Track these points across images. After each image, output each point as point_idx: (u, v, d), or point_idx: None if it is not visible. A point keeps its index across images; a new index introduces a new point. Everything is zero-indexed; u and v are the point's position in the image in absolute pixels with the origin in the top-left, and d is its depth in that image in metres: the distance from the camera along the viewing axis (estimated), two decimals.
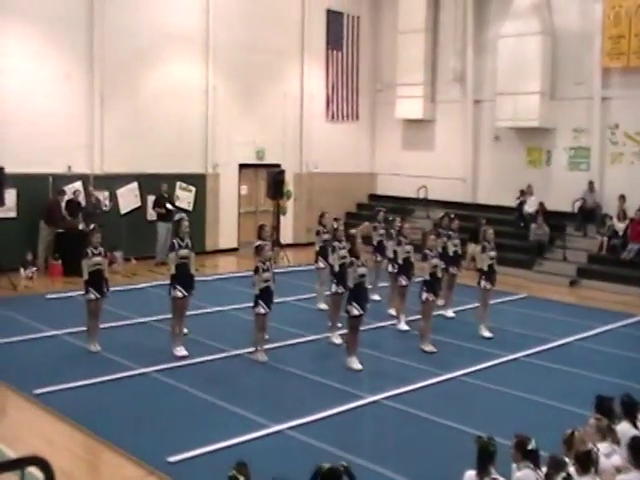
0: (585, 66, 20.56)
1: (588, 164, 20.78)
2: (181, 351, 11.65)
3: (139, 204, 19.83)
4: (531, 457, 5.68)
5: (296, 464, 8.10)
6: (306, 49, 23.67)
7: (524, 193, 21.38)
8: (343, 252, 12.60)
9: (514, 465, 5.78)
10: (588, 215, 20.22)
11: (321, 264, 14.55)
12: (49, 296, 15.34)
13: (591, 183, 20.32)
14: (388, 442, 8.81)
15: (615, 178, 20.17)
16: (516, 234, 20.99)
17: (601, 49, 20.07)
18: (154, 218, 19.68)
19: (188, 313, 12.23)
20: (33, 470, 4.05)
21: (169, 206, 19.54)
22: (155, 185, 19.60)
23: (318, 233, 14.90)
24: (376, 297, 15.36)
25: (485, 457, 5.59)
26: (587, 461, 5.73)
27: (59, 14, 18.17)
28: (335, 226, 13.88)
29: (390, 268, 14.47)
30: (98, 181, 19.03)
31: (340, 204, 23.49)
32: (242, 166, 22.36)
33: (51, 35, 18.20)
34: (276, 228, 20.93)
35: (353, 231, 13.44)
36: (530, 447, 5.69)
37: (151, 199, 19.84)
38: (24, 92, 17.75)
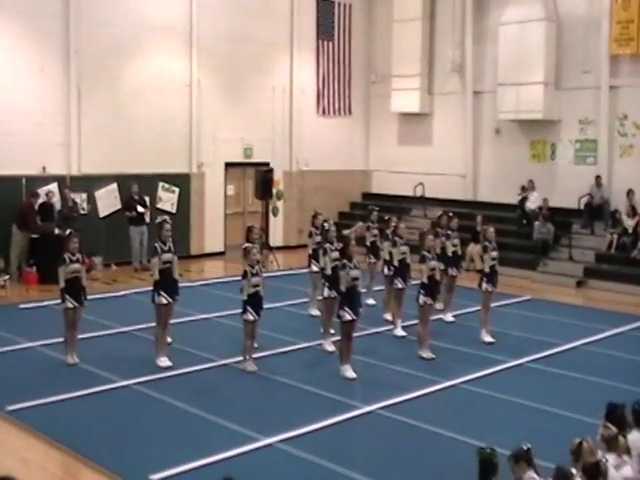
0: (592, 53, 20.57)
1: (595, 157, 20.80)
2: (165, 361, 11.63)
3: (119, 206, 19.70)
4: (528, 458, 5.76)
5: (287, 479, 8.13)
6: (295, 40, 23.66)
7: (525, 189, 21.39)
8: (335, 254, 12.57)
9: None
10: (595, 212, 20.22)
11: (314, 267, 14.51)
12: (23, 306, 15.26)
13: (598, 177, 20.32)
14: (384, 455, 8.78)
15: (624, 172, 20.17)
16: (519, 233, 21.02)
17: (609, 35, 20.06)
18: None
19: (172, 321, 12.21)
20: None
21: (140, 209, 19.44)
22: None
23: (311, 235, 14.85)
24: (371, 301, 15.43)
25: (487, 470, 5.58)
26: (596, 473, 5.71)
27: (31, 2, 18.09)
28: (326, 227, 13.85)
29: (385, 270, 14.46)
30: (75, 182, 18.96)
31: (332, 203, 23.52)
32: (228, 165, 22.32)
33: (23, 25, 18.08)
34: (265, 230, 20.90)
35: (346, 232, 13.42)
36: (526, 447, 5.77)
37: None
38: None
